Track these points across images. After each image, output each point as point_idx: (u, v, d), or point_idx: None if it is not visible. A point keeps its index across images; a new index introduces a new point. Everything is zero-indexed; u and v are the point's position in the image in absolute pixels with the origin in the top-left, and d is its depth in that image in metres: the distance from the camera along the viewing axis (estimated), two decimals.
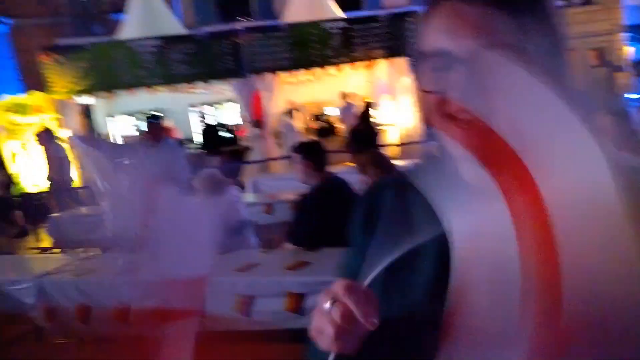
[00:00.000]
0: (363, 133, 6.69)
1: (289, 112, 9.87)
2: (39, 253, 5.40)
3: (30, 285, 3.13)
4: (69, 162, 7.59)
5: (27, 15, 13.15)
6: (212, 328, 2.73)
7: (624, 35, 14.54)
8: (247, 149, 9.09)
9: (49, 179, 7.62)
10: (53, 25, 13.06)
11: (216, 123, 11.24)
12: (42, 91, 8.70)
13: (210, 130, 9.62)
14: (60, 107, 7.99)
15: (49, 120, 8.74)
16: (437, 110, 0.60)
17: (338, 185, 3.00)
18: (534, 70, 0.46)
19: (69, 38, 12.36)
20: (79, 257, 3.72)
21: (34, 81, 10.80)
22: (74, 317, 3.03)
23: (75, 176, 8.00)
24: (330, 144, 9.69)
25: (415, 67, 0.65)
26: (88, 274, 3.10)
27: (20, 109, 8.80)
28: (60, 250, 5.27)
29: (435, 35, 0.61)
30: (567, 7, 14.51)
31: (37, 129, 8.49)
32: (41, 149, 7.86)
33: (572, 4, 14.59)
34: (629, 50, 14.88)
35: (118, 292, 2.91)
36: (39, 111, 8.78)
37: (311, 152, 3.05)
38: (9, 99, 8.88)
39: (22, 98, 8.95)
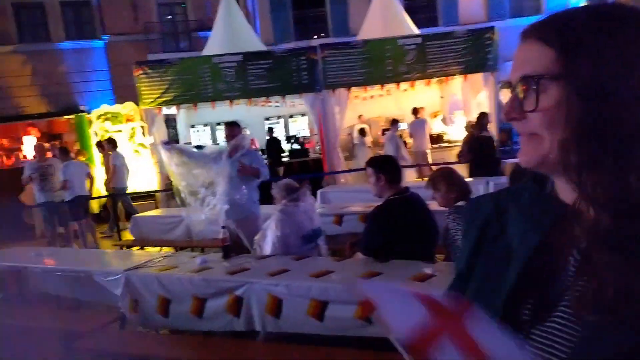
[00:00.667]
0: (481, 142, 6.57)
1: (361, 129, 9.96)
2: (122, 249, 5.80)
3: (119, 277, 3.38)
4: (125, 170, 8.09)
5: (121, 33, 14.38)
6: (287, 330, 2.81)
7: None
8: (316, 161, 9.26)
9: (105, 184, 8.12)
10: (144, 41, 14.18)
11: (287, 135, 11.57)
12: (132, 101, 9.45)
13: (274, 142, 9.89)
14: (147, 117, 8.60)
15: (137, 127, 9.45)
16: None
17: (411, 199, 2.98)
18: None
19: (158, 53, 13.39)
20: (161, 254, 3.96)
21: (125, 92, 11.77)
22: (155, 309, 3.23)
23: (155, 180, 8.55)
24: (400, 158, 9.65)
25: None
26: (168, 270, 3.29)
27: (112, 117, 9.59)
28: (141, 247, 5.65)
29: None
30: None
31: (102, 138, 9.23)
32: (101, 157, 8.47)
33: None
34: None
35: (195, 288, 3.08)
36: (129, 120, 9.51)
37: (385, 166, 3.06)
38: (104, 108, 9.71)
39: (114, 107, 9.75)
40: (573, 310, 0.59)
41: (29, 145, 9.74)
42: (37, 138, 9.90)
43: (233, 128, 4.30)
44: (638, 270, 0.54)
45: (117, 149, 8.14)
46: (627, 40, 0.58)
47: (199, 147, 9.66)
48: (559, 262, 0.64)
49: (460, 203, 2.72)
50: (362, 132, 9.74)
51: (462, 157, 6.76)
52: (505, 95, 0.67)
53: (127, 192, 8.41)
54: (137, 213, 6.68)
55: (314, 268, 2.96)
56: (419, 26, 10.12)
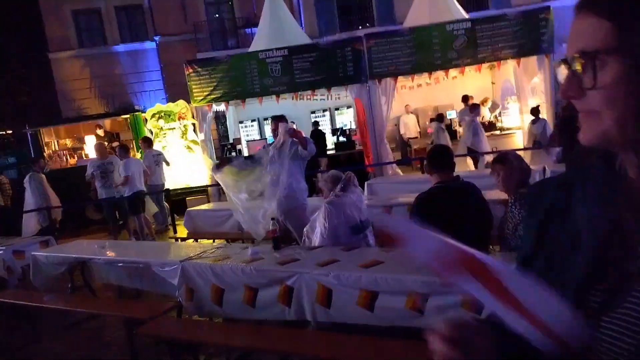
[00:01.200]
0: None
1: (439, 115, 9.65)
2: (177, 241, 6.03)
3: (175, 267, 3.52)
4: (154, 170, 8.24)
5: (172, 33, 14.87)
6: (337, 320, 2.82)
7: None
8: (362, 153, 9.19)
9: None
10: (193, 40, 14.60)
11: (333, 128, 11.56)
12: (184, 99, 9.77)
13: (319, 135, 9.86)
14: (199, 114, 8.87)
15: (189, 125, 9.76)
16: None
17: (457, 188, 2.90)
18: None
19: (207, 52, 13.75)
20: (214, 246, 4.08)
21: (177, 91, 12.18)
22: (210, 298, 3.34)
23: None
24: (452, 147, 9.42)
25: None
26: (222, 261, 3.38)
27: (165, 115, 9.95)
28: (195, 239, 5.85)
29: None
30: None
31: (156, 136, 9.51)
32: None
33: None
34: None
35: (247, 277, 3.15)
36: (181, 117, 9.84)
37: (430, 155, 3.04)
38: (157, 107, 10.09)
39: (167, 106, 10.11)
40: None
41: (90, 145, 10.29)
42: (100, 137, 10.42)
43: (280, 122, 4.34)
44: None
45: (130, 155, 7.75)
46: None
47: (249, 157, 9.84)
48: (629, 244, 0.61)
49: (523, 190, 2.62)
50: (439, 118, 9.46)
51: (553, 142, 6.47)
52: (562, 72, 0.63)
53: (180, 187, 8.69)
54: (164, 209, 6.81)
55: (363, 259, 2.95)
56: (468, 10, 9.80)
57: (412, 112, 11.11)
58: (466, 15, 9.20)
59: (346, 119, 12.00)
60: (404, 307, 2.56)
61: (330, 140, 10.88)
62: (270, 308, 3.06)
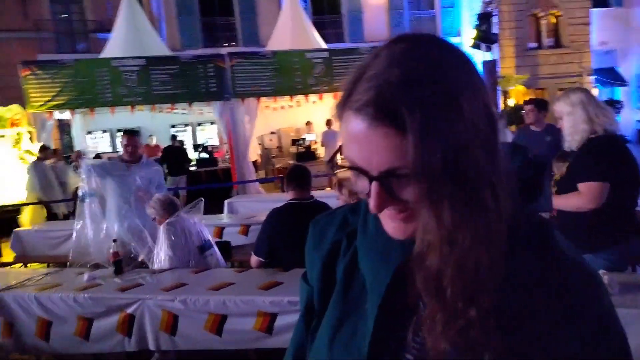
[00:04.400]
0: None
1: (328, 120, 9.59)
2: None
3: None
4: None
5: (9, 29, 13.05)
6: (183, 347, 2.67)
7: (590, 78, 15.26)
8: (225, 170, 9.05)
9: None
10: (35, 40, 13.00)
11: (194, 144, 11.19)
12: (20, 104, 8.58)
13: (175, 151, 9.44)
14: (36, 121, 7.86)
15: (23, 133, 8.59)
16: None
17: (308, 205, 3.04)
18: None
19: (51, 54, 12.33)
20: (42, 272, 3.58)
21: (10, 94, 10.65)
22: (34, 333, 2.91)
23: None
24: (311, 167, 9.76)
25: None
26: (50, 289, 2.99)
27: None
28: (22, 264, 5.09)
29: (347, 141, 0.57)
30: (539, 49, 15.20)
31: None
32: None
33: (543, 46, 15.28)
34: (596, 92, 15.64)
35: (80, 307, 2.82)
36: (14, 124, 8.62)
37: (289, 174, 3.13)
38: None
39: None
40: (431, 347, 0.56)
41: None
42: None
43: (134, 138, 4.01)
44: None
45: None
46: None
47: (97, 156, 9.02)
48: (411, 297, 0.59)
49: None
50: (328, 122, 9.51)
51: None
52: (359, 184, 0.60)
53: (10, 204, 7.55)
54: None
55: (213, 280, 2.86)
56: (326, 41, 10.40)
57: (275, 133, 11.30)
58: (324, 45, 9.76)
59: (209, 135, 11.74)
60: (252, 329, 2.53)
61: (192, 156, 10.51)
62: (107, 339, 2.77)
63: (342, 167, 6.88)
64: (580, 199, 2.29)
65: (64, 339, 2.85)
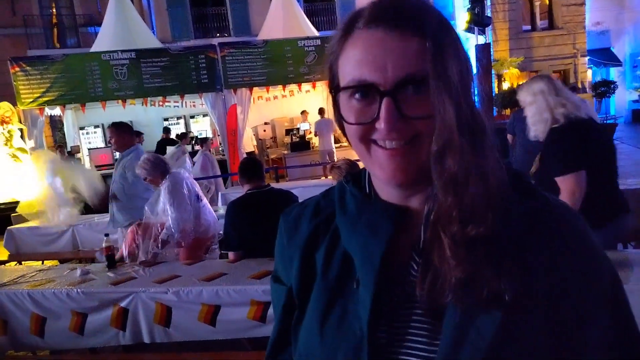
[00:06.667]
0: None
1: (320, 109, 9.55)
2: None
3: None
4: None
5: None
6: (178, 339, 2.67)
7: (585, 59, 15.20)
8: (220, 162, 9.01)
9: None
10: (24, 36, 12.86)
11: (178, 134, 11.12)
12: (9, 102, 8.51)
13: (167, 144, 9.42)
14: (27, 118, 7.79)
15: (15, 130, 8.53)
16: (361, 138, 0.59)
17: (267, 192, 3.08)
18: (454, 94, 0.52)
19: (40, 49, 12.22)
20: (35, 269, 3.57)
21: (2, 91, 10.56)
22: (29, 330, 2.91)
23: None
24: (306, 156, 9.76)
25: (334, 100, 0.61)
26: (43, 285, 2.98)
27: None
28: (17, 262, 5.08)
29: (354, 65, 0.57)
30: (533, 31, 15.13)
31: None
32: None
33: (537, 29, 15.20)
34: (589, 73, 15.59)
35: (74, 302, 2.82)
36: (5, 122, 8.56)
37: (242, 166, 3.20)
38: None
39: None
40: (425, 315, 0.57)
41: None
42: None
43: (111, 130, 4.01)
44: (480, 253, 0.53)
45: None
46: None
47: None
48: (400, 271, 0.60)
49: None
50: (321, 111, 9.47)
51: None
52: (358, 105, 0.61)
53: (4, 202, 7.51)
54: None
55: (205, 271, 2.86)
56: (319, 29, 10.31)
57: (268, 123, 11.26)
58: (317, 33, 9.67)
59: (202, 127, 11.68)
60: (245, 318, 2.53)
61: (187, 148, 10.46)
62: (101, 334, 2.77)
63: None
64: (565, 195, 2.22)
65: (58, 335, 2.85)
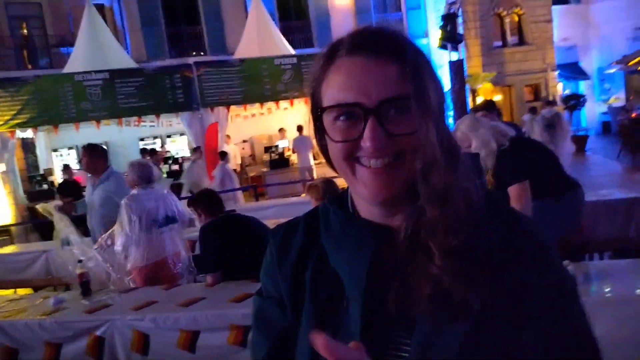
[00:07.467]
0: None
1: (299, 126, 9.65)
2: None
3: None
4: None
5: None
6: None
7: (555, 73, 15.67)
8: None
9: None
10: None
11: (164, 157, 10.99)
12: None
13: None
14: None
15: None
16: (346, 157, 0.61)
17: (235, 216, 3.08)
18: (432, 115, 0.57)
19: (11, 71, 11.97)
20: (4, 298, 3.44)
21: None
22: None
23: None
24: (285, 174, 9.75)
25: (317, 123, 0.64)
26: (14, 316, 2.87)
27: None
28: None
29: (339, 89, 0.60)
30: (504, 47, 15.57)
31: None
32: None
33: (508, 44, 15.65)
34: (560, 86, 16.08)
35: (47, 333, 2.72)
36: None
37: (197, 201, 3.17)
38: None
39: None
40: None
41: None
42: None
43: (83, 151, 3.86)
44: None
45: None
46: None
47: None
48: (387, 287, 0.61)
49: None
50: (299, 128, 9.50)
51: None
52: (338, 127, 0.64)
53: None
54: None
55: (183, 296, 2.79)
56: (294, 47, 10.40)
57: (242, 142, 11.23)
58: (293, 51, 9.75)
59: (179, 146, 11.57)
60: (225, 343, 2.48)
61: (163, 169, 10.32)
62: None
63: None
64: (517, 203, 2.55)
65: None
